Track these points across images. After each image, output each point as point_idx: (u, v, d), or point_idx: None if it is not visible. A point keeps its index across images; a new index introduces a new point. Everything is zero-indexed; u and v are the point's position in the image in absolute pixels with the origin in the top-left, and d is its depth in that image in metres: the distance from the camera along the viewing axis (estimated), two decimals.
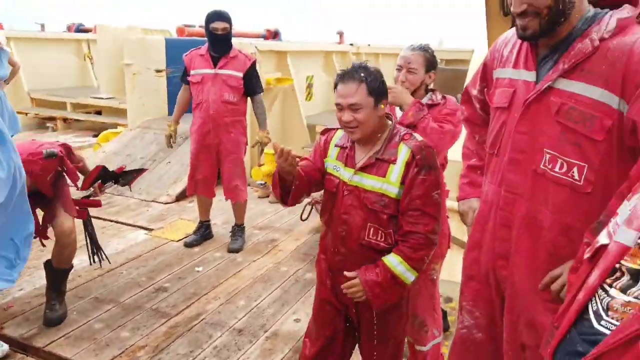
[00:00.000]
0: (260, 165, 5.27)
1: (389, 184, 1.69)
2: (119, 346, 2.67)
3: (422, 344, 2.33)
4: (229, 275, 3.53)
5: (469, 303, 1.69)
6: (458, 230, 2.93)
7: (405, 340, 2.56)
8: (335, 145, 1.84)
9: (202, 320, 2.96)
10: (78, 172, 2.98)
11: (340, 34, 10.69)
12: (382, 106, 1.72)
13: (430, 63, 2.17)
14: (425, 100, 2.17)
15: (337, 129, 1.88)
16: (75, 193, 3.02)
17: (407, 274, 1.67)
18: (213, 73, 3.66)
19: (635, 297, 0.74)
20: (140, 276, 3.47)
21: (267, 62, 6.15)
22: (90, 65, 10.15)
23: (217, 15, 3.63)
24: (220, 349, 2.69)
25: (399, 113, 2.18)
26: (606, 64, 1.27)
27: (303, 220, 2.15)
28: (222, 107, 3.68)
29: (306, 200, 2.06)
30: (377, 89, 1.69)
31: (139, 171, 3.52)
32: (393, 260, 1.68)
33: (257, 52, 5.75)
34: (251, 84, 3.75)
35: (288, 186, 1.82)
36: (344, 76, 1.69)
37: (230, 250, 3.90)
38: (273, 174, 1.84)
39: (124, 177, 3.28)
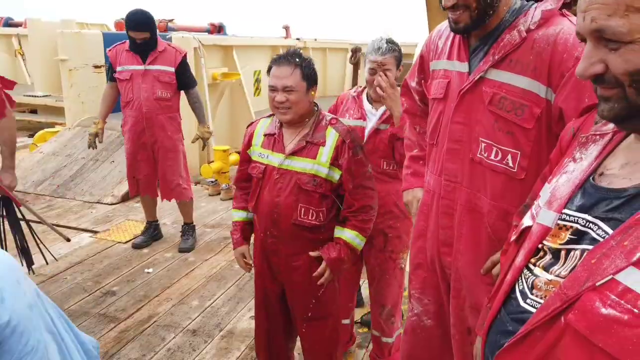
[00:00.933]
0: (210, 163, 5.18)
1: (320, 164, 1.80)
2: None
3: (389, 335, 2.36)
4: (181, 275, 3.46)
5: (417, 291, 1.74)
6: None
7: (353, 331, 2.62)
8: (264, 135, 1.91)
9: (153, 322, 2.89)
10: None
11: (287, 29, 10.65)
12: (313, 93, 1.83)
13: (399, 60, 2.18)
14: None
15: (260, 119, 1.98)
16: None
17: (362, 243, 1.91)
18: (143, 69, 3.50)
19: (557, 275, 0.79)
20: (86, 281, 3.34)
21: (213, 57, 6.03)
22: (22, 61, 9.55)
23: (135, 26, 3.41)
24: (174, 351, 2.64)
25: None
26: (533, 55, 1.33)
27: None
28: (155, 105, 3.54)
29: None
30: (310, 76, 1.80)
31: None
32: (350, 235, 1.87)
33: (201, 46, 5.63)
34: (184, 78, 3.62)
35: None
36: (279, 60, 1.79)
37: (181, 250, 3.82)
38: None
39: None
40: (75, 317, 2.89)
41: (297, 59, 1.77)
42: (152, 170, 3.74)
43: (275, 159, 1.84)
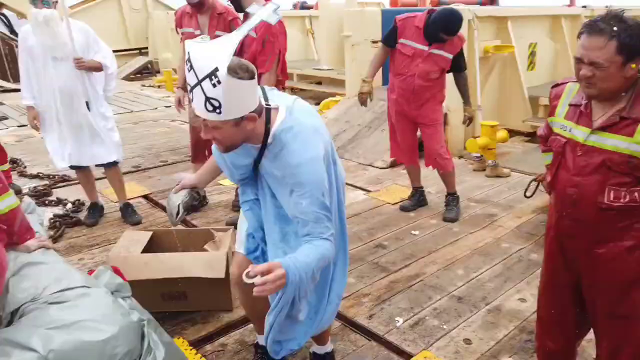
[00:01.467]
0: (475, 137, 5.07)
1: (639, 144, 1.52)
2: (346, 290, 2.94)
3: None
4: (445, 242, 3.56)
5: None
6: None
7: None
8: (569, 104, 1.71)
9: (420, 281, 3.06)
10: None
11: None
12: (634, 66, 1.49)
13: None
14: None
15: (566, 82, 1.74)
16: None
17: None
18: (427, 52, 3.59)
19: None
20: (362, 231, 3.75)
21: (485, 29, 5.82)
22: (312, 39, 11.10)
23: (448, 31, 3.49)
24: (440, 312, 2.75)
25: None
26: None
27: (527, 197, 2.00)
28: (425, 84, 3.66)
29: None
30: (632, 47, 1.46)
31: None
32: None
33: (475, 18, 5.48)
34: (459, 62, 3.69)
35: None
36: (591, 27, 1.51)
37: (446, 219, 3.90)
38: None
39: None
40: (353, 261, 3.29)
41: (615, 27, 1.45)
42: (412, 140, 3.93)
43: (579, 133, 1.64)
